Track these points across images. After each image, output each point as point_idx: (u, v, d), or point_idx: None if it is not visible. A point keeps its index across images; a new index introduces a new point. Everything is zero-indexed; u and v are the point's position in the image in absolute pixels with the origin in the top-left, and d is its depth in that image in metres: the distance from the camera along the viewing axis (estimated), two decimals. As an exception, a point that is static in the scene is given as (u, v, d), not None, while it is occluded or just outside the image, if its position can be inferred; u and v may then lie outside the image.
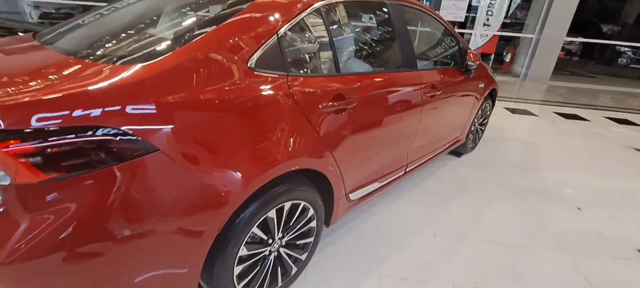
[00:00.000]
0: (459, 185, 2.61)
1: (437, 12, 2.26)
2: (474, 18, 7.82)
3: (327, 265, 1.71)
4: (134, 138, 0.85)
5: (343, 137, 1.45)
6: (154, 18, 1.24)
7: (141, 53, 1.03)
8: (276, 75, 1.19)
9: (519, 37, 7.99)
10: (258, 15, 1.20)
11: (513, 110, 4.95)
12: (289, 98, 1.20)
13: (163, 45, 1.04)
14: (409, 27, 1.91)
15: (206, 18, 1.18)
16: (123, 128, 0.83)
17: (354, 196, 1.71)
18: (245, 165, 1.05)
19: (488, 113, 3.27)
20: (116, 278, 0.90)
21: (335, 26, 1.71)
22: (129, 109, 0.85)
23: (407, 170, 2.15)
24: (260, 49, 1.15)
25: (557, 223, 2.21)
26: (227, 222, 1.11)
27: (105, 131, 0.82)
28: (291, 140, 1.20)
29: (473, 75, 2.57)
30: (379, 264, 1.73)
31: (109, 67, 0.94)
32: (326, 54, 1.39)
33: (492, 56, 8.45)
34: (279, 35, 1.22)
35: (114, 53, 1.03)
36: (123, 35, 1.15)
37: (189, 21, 1.18)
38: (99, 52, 1.05)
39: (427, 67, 2.18)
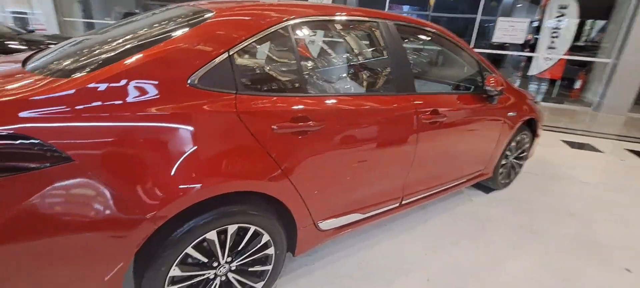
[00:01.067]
0: (477, 226, 2.28)
1: (449, 32, 2.06)
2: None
3: (293, 297, 1.58)
4: (49, 147, 0.87)
5: (305, 162, 1.35)
6: (115, 38, 1.29)
7: (76, 66, 1.07)
8: (221, 93, 1.16)
9: (592, 62, 6.99)
10: (210, 32, 1.19)
11: (573, 144, 4.28)
12: (234, 116, 1.16)
13: (100, 61, 1.08)
14: (424, 48, 1.75)
15: (159, 36, 1.21)
16: (39, 137, 0.86)
17: (325, 226, 1.58)
18: (168, 184, 1.02)
19: (527, 146, 2.86)
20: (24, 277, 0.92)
21: (306, 46, 1.64)
22: (47, 119, 0.88)
23: (403, 203, 1.94)
24: (206, 66, 1.14)
25: (593, 287, 1.79)
26: (152, 240, 1.08)
27: (21, 138, 0.85)
28: (230, 160, 1.15)
29: (500, 102, 2.28)
30: (350, 306, 1.56)
31: (44, 79, 0.99)
32: (290, 74, 1.33)
33: (559, 82, 7.52)
34: (231, 53, 1.19)
35: (56, 68, 1.10)
36: (78, 54, 1.22)
37: (140, 38, 1.22)
38: (46, 68, 1.12)
39: (431, 91, 1.98)
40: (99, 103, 0.95)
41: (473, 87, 2.26)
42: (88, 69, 1.03)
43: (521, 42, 6.66)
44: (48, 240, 0.91)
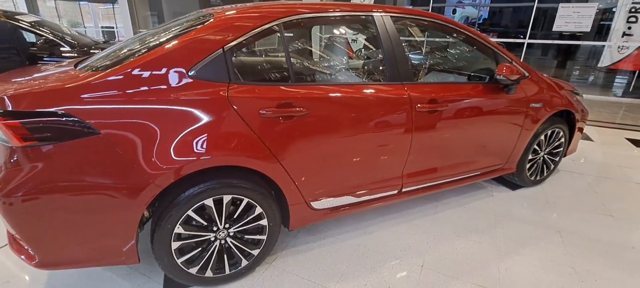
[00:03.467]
0: (492, 221, 2.22)
1: (453, 20, 2.04)
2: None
3: (286, 266, 1.75)
4: (83, 122, 1.17)
5: (293, 144, 1.51)
6: (142, 41, 1.60)
7: (106, 64, 1.38)
8: (216, 83, 1.38)
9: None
10: (209, 31, 1.42)
11: (639, 143, 3.77)
12: (226, 103, 1.37)
13: (125, 58, 1.37)
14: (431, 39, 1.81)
15: (170, 37, 1.47)
16: (76, 115, 1.17)
17: (318, 205, 1.72)
18: (169, 156, 1.27)
19: (562, 141, 2.65)
20: (64, 219, 1.24)
21: (298, 40, 1.79)
22: (81, 102, 1.18)
23: (403, 191, 1.99)
24: (203, 60, 1.37)
25: (612, 291, 1.65)
26: (159, 201, 1.35)
27: (64, 116, 1.16)
28: (221, 139, 1.36)
29: (520, 93, 2.19)
30: (339, 280, 1.68)
31: (86, 74, 1.31)
32: (279, 66, 1.49)
33: (637, 73, 6.53)
34: (226, 49, 1.41)
35: (94, 66, 1.42)
36: (112, 54, 1.54)
37: (157, 40, 1.49)
38: (88, 66, 1.45)
39: (432, 80, 1.99)
40: (115, 91, 1.23)
41: (488, 77, 2.20)
42: (110, 67, 1.32)
43: (588, 30, 5.94)
44: (79, 193, 1.22)
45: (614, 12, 6.23)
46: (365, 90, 1.67)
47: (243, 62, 1.51)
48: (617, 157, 3.35)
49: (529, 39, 6.56)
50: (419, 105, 1.78)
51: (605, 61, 6.38)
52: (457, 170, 2.17)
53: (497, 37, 7.95)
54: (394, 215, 2.24)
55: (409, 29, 2.05)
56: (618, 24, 6.07)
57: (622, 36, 6.04)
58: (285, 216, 1.70)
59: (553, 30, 6.24)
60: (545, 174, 2.73)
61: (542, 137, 2.50)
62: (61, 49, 4.02)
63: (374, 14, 1.77)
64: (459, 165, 2.15)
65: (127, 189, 1.26)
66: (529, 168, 2.58)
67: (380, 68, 1.77)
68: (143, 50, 1.40)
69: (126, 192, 1.26)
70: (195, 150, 1.31)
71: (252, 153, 1.43)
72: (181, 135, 1.30)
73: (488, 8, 13.43)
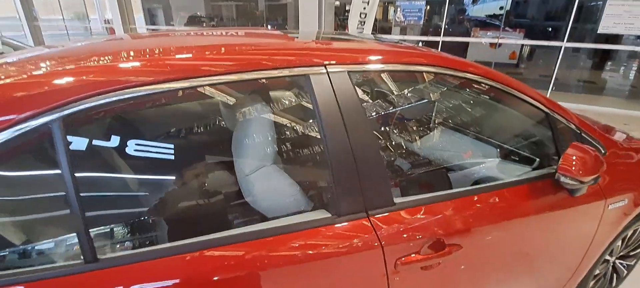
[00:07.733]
0: None
1: (476, 66, 1.08)
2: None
3: None
4: None
5: None
6: None
7: None
8: None
9: None
10: None
11: None
12: None
13: None
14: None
15: None
16: None
17: None
18: None
19: (644, 239, 1.68)
20: None
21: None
22: None
23: None
24: None
25: None
26: None
27: None
28: None
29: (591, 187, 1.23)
30: None
31: None
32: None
33: None
34: None
35: None
36: None
37: None
38: None
39: (437, 194, 1.05)
40: None
41: (537, 160, 1.25)
42: None
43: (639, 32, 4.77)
44: None
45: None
46: (271, 250, 0.75)
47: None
48: None
49: (568, 41, 5.38)
50: (402, 258, 0.86)
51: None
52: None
53: (525, 35, 6.70)
54: None
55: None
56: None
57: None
58: None
59: (599, 32, 5.07)
60: (614, 286, 1.76)
61: (619, 242, 1.54)
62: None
63: (311, 72, 0.83)
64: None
65: None
66: (594, 286, 1.63)
67: (317, 191, 0.85)
68: None
69: None
70: None
71: None
72: None
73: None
